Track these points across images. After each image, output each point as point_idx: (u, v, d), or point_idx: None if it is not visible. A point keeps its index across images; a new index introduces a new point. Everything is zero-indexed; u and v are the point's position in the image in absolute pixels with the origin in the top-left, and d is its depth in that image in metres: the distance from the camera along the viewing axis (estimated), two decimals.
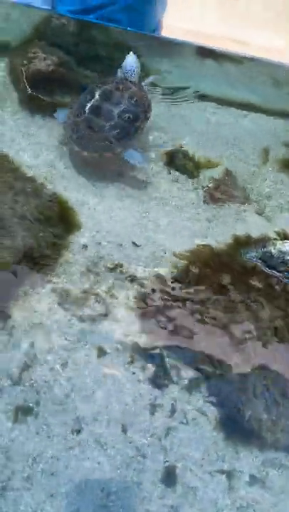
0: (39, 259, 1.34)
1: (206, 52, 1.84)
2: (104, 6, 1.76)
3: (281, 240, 1.46)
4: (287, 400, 1.21)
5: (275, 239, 1.48)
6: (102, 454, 1.16)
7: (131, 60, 1.63)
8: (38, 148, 1.58)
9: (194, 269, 1.29)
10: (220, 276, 1.24)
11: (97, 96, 1.53)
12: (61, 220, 1.41)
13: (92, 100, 1.53)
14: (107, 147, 1.52)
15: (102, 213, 1.51)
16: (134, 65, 1.63)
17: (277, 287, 1.34)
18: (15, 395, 1.20)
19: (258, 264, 1.34)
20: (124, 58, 1.64)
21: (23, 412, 1.18)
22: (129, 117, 1.53)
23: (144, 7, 1.79)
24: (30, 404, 1.19)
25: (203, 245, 1.40)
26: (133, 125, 1.54)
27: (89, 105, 1.52)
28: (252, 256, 1.36)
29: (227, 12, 2.24)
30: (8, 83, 1.72)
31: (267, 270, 1.33)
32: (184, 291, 1.28)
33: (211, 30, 2.24)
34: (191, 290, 1.27)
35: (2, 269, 1.24)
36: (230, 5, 2.16)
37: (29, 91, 1.60)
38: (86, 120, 1.52)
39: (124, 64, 1.64)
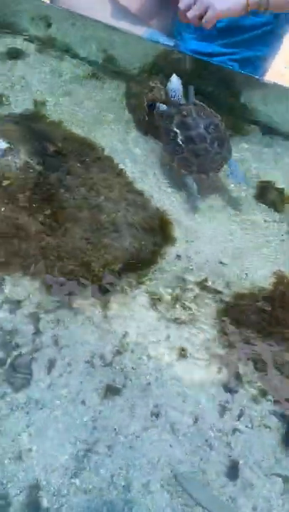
0: (139, 263, 1.54)
1: None
2: (224, 54, 1.96)
3: None
4: None
5: None
6: (175, 439, 1.33)
7: (175, 82, 1.81)
8: (148, 166, 1.81)
9: (278, 292, 1.45)
10: None
11: (177, 130, 1.74)
12: (161, 231, 1.61)
13: (179, 136, 1.73)
14: (222, 158, 1.75)
15: (195, 230, 1.70)
16: (179, 87, 1.80)
17: None
18: (106, 374, 1.39)
19: None
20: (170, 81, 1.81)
21: (111, 391, 1.37)
22: (213, 128, 1.75)
23: (258, 61, 1.98)
24: (118, 386, 1.38)
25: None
26: (220, 131, 1.77)
27: (180, 140, 1.73)
28: None
29: None
30: (125, 106, 1.96)
31: None
32: (264, 309, 1.44)
33: None
34: (273, 311, 1.42)
35: (112, 266, 1.45)
36: None
37: (146, 117, 1.83)
38: (191, 152, 1.72)
39: (169, 86, 1.81)
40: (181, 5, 1.69)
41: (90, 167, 1.57)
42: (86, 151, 1.61)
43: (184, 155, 1.73)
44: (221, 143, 1.75)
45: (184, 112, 1.76)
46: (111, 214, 1.50)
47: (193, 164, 1.73)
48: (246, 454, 1.31)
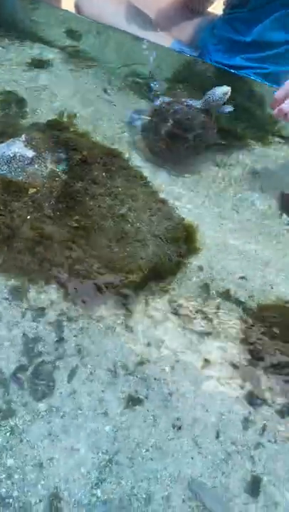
0: (162, 273, 1.54)
1: None
2: (248, 68, 1.96)
3: None
4: None
5: None
6: (196, 452, 1.31)
7: (220, 91, 1.75)
8: (173, 176, 1.81)
9: None
10: None
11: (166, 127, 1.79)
12: (185, 241, 1.60)
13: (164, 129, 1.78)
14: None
15: (219, 242, 1.69)
16: (219, 94, 1.75)
17: None
18: (128, 384, 1.39)
19: None
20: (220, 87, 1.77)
21: (133, 401, 1.36)
22: (200, 126, 1.78)
23: (283, 76, 1.97)
24: (140, 396, 1.37)
25: None
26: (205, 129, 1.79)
27: (164, 133, 1.77)
28: None
29: None
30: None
31: None
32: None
33: None
34: None
35: (136, 276, 1.45)
36: None
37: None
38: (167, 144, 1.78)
39: (219, 91, 1.75)
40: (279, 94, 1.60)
41: (114, 176, 1.58)
42: (111, 160, 1.62)
43: (160, 144, 1.78)
44: (199, 141, 1.78)
45: (178, 115, 1.77)
46: (135, 223, 1.50)
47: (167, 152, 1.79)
48: (270, 470, 1.29)
